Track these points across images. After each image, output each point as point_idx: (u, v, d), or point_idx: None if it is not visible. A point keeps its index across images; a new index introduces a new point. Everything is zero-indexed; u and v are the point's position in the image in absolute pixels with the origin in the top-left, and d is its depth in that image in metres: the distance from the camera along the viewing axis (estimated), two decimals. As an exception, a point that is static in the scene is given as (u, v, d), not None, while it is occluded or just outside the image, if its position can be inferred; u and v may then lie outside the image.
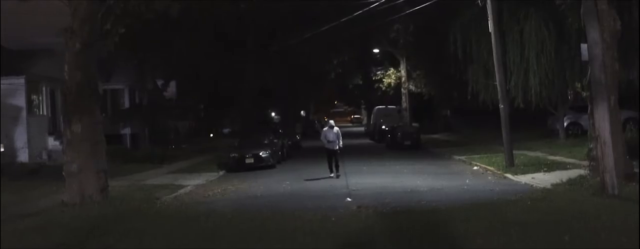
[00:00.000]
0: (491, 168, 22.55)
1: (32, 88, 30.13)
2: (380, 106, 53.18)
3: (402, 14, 36.95)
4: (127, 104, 39.62)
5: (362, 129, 72.55)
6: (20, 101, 29.05)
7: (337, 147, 22.83)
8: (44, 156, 29.54)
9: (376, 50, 58.97)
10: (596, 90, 13.86)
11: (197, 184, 21.93)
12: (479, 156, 27.38)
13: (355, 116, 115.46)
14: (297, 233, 11.10)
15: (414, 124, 46.46)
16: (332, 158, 22.69)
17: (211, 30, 37.82)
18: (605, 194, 13.37)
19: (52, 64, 28.11)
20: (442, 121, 56.79)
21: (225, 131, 60.31)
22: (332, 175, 22.30)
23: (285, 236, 11.05)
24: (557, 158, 23.88)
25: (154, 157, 30.43)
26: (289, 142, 36.49)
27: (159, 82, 43.85)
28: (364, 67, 66.03)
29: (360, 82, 73.90)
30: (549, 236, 9.92)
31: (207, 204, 16.60)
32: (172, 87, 46.48)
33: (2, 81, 28.19)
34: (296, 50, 45.99)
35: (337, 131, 23.24)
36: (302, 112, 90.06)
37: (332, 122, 24.07)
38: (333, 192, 17.55)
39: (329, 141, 22.91)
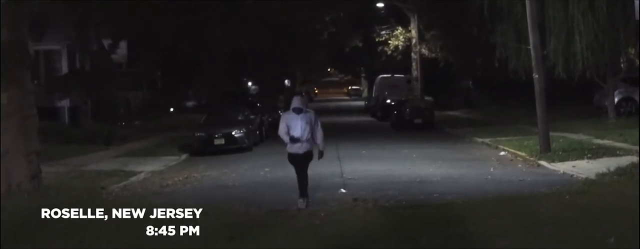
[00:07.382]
0: (522, 154, 22.69)
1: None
2: (384, 75, 53.25)
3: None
4: (65, 70, 39.37)
5: (361, 103, 72.64)
6: None
7: (309, 150, 14.86)
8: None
9: (380, 5, 58.83)
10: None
11: (152, 171, 22.03)
12: (506, 138, 27.48)
13: (353, 87, 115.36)
14: (278, 232, 11.23)
15: (426, 98, 46.51)
16: (300, 171, 14.90)
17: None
18: (662, 188, 13.50)
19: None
20: (461, 95, 56.89)
21: (189, 104, 60.28)
22: (300, 201, 14.60)
23: (262, 235, 11.16)
24: (605, 142, 24.02)
25: (98, 136, 30.43)
26: (269, 119, 36.56)
27: (106, 43, 43.68)
28: (364, 27, 65.88)
29: (360, 45, 73.80)
30: (590, 237, 10.05)
31: (166, 196, 16.70)
32: (123, 49, 46.27)
33: None
34: (278, 4, 45.87)
35: (311, 116, 14.86)
36: (286, 81, 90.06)
37: (297, 100, 15.04)
38: (324, 182, 17.64)
39: (292, 139, 14.69)
